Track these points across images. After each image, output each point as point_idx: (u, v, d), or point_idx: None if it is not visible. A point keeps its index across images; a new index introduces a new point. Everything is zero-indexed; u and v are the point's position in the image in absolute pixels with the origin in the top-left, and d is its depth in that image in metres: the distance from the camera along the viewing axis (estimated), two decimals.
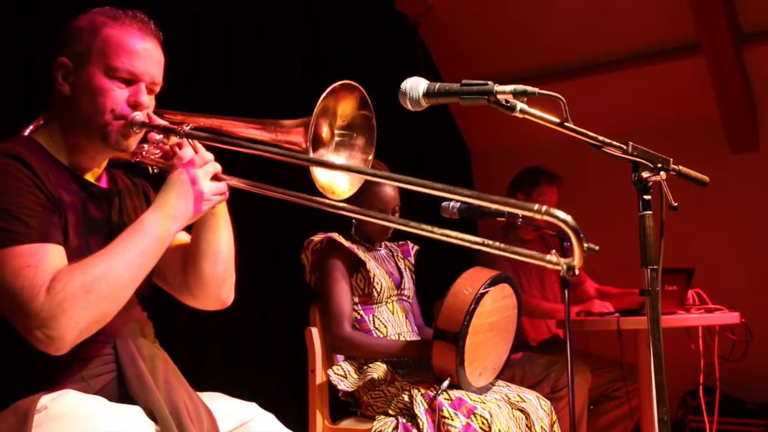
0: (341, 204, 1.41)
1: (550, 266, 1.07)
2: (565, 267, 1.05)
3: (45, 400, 1.27)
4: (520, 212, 1.08)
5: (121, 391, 1.37)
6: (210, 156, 1.44)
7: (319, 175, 1.41)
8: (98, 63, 1.40)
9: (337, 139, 1.49)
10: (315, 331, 2.46)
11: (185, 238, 1.60)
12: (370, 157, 1.51)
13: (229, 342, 3.10)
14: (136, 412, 1.32)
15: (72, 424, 1.23)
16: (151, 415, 1.32)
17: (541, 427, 2.24)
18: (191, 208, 1.40)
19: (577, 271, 1.05)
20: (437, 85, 1.22)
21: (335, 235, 2.46)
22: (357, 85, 1.44)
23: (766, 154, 4.15)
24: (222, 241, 1.56)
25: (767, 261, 4.04)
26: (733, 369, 3.29)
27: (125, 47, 1.41)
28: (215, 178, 1.43)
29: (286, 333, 3.23)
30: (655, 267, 1.23)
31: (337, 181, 1.45)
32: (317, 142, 1.46)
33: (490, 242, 1.13)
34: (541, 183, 3.33)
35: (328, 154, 1.48)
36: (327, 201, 1.40)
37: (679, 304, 2.93)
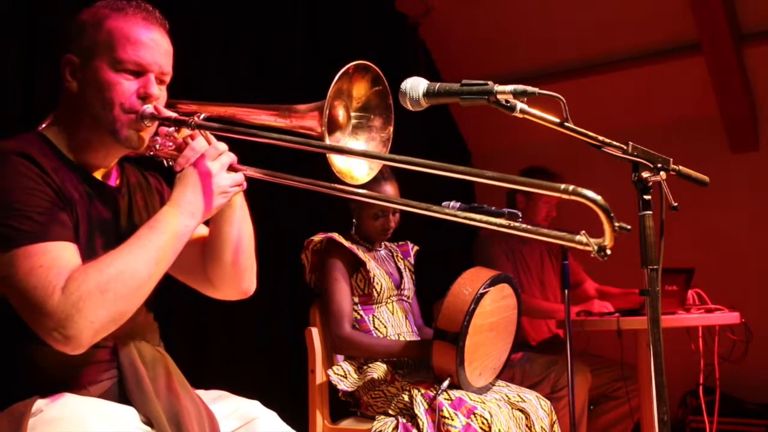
0: (360, 191, 1.37)
1: (579, 247, 1.02)
2: (595, 248, 1.01)
3: (41, 403, 1.26)
4: (544, 192, 1.05)
5: (122, 397, 1.36)
6: (224, 147, 1.41)
7: (336, 159, 1.37)
8: (104, 56, 1.37)
9: (353, 121, 1.44)
10: (315, 331, 2.46)
11: (203, 230, 1.57)
12: (390, 135, 1.46)
13: (229, 342, 3.10)
14: (131, 413, 1.32)
15: (65, 427, 1.22)
16: (149, 422, 1.30)
17: (541, 427, 2.24)
18: (209, 202, 1.36)
19: (609, 251, 1.01)
20: (437, 85, 1.21)
21: (335, 235, 2.46)
22: (370, 64, 1.40)
23: (766, 154, 4.15)
24: (240, 231, 1.52)
25: (767, 261, 4.04)
26: (733, 369, 3.29)
27: (130, 38, 1.37)
28: (231, 169, 1.40)
29: (286, 333, 3.23)
30: (655, 267, 1.23)
31: (355, 166, 1.40)
32: (333, 126, 1.41)
33: (516, 224, 1.10)
34: None
35: (345, 138, 1.43)
36: (345, 188, 1.36)
37: (679, 304, 2.93)
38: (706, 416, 3.24)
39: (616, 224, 0.99)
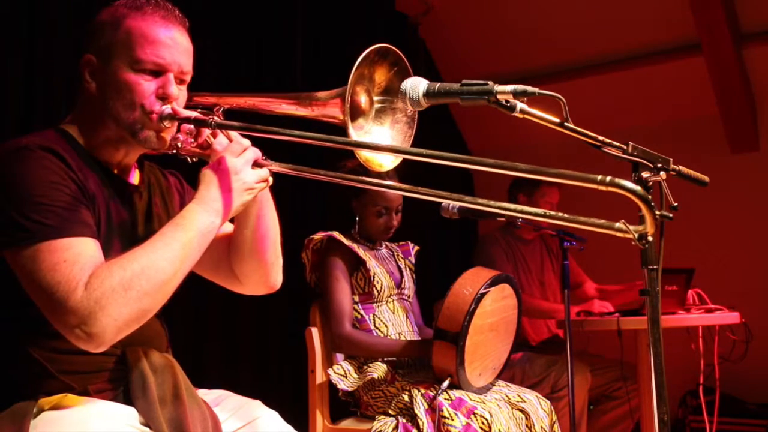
0: (388, 182, 1.35)
1: (619, 234, 1.00)
2: (636, 235, 0.99)
3: (42, 403, 1.26)
4: (579, 184, 1.03)
5: (127, 403, 1.35)
6: (247, 142, 1.39)
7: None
8: (123, 56, 1.35)
9: (377, 106, 1.39)
10: (315, 331, 2.46)
11: (229, 227, 1.55)
12: (415, 114, 1.40)
13: (229, 342, 3.10)
14: (132, 413, 1.31)
15: (66, 427, 1.22)
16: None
17: (541, 427, 2.24)
18: (234, 199, 1.34)
19: (650, 238, 0.99)
20: (437, 85, 1.21)
21: (335, 234, 2.46)
22: (391, 47, 1.35)
23: (766, 154, 4.15)
24: (266, 227, 1.51)
25: (767, 261, 4.04)
26: (733, 369, 3.29)
27: (149, 37, 1.36)
28: (256, 164, 1.38)
29: (286, 333, 3.23)
30: (655, 267, 1.23)
31: (380, 153, 1.36)
32: (356, 112, 1.37)
33: (552, 212, 1.09)
34: (543, 183, 3.33)
35: (369, 123, 1.38)
36: (373, 180, 1.34)
37: (679, 304, 2.93)
38: (706, 416, 3.24)
39: (657, 212, 0.98)
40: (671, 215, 1.05)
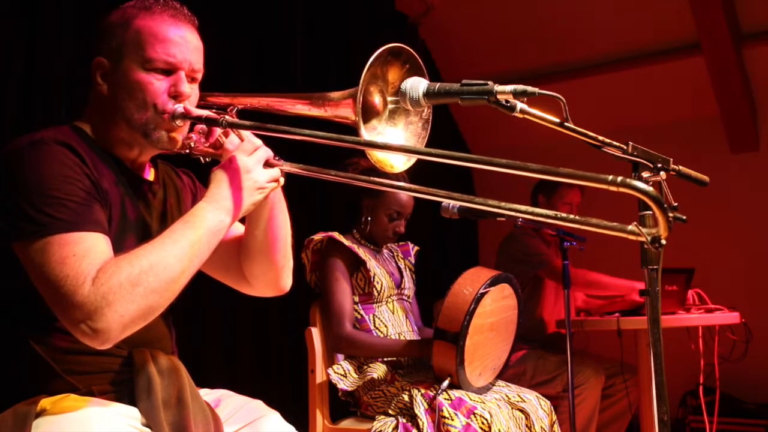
0: (399, 183, 1.34)
1: (632, 237, 0.99)
2: (649, 238, 0.98)
3: (45, 403, 1.26)
4: (590, 185, 1.01)
5: (131, 404, 1.34)
6: (259, 142, 1.39)
7: (374, 150, 1.31)
8: (134, 56, 1.35)
9: (390, 106, 1.36)
10: (315, 331, 2.46)
11: (240, 229, 1.55)
12: (429, 115, 1.39)
13: (229, 342, 3.10)
14: (134, 414, 1.31)
15: (68, 426, 1.22)
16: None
17: (541, 427, 2.24)
18: (245, 198, 1.34)
19: (663, 241, 0.98)
20: (437, 85, 1.21)
21: (335, 234, 2.46)
22: (403, 46, 1.32)
23: (766, 154, 4.15)
24: (277, 228, 1.50)
25: (767, 261, 4.04)
26: (733, 369, 3.29)
27: (159, 36, 1.36)
28: (267, 164, 1.37)
29: (286, 333, 3.23)
30: (655, 267, 1.23)
31: (392, 155, 1.34)
32: (369, 113, 1.35)
33: (564, 215, 1.09)
34: (561, 185, 3.32)
35: (381, 124, 1.36)
36: (383, 180, 1.34)
37: (679, 304, 2.93)
38: (706, 416, 3.24)
39: (671, 214, 0.96)
40: (684, 217, 1.04)
